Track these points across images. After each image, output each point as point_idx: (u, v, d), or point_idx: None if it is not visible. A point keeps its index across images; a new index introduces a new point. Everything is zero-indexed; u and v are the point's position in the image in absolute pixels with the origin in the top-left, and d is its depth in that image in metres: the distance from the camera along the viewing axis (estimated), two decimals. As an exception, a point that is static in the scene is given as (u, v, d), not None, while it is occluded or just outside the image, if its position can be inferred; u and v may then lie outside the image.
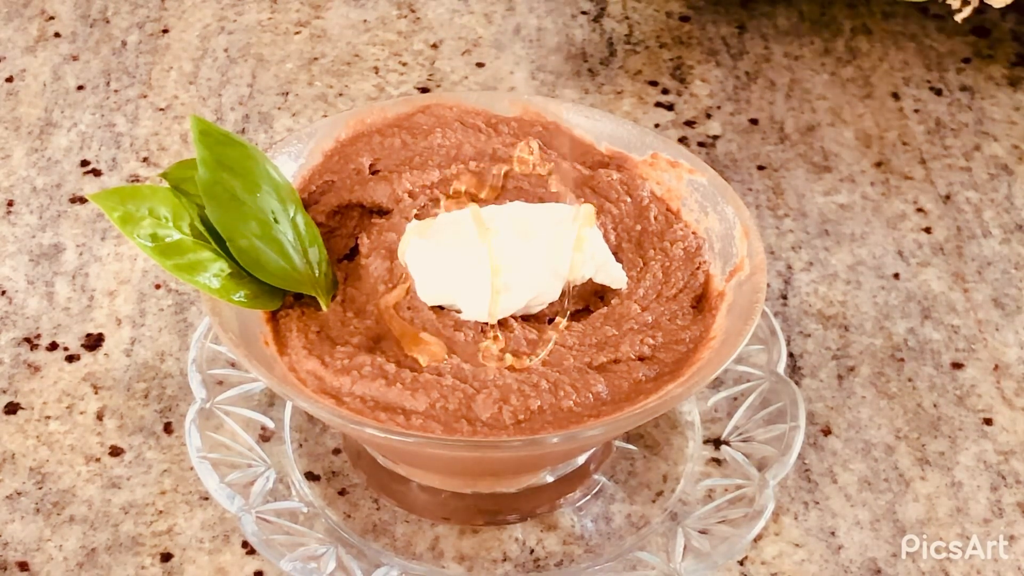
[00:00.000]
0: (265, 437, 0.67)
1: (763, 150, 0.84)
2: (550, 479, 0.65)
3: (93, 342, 0.72)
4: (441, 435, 0.57)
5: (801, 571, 0.64)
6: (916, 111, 0.87)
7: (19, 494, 0.66)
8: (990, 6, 0.91)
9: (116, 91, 0.86)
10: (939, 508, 0.66)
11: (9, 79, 0.87)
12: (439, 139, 0.68)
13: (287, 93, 0.87)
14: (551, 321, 0.62)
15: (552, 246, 0.61)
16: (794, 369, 0.72)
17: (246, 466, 0.65)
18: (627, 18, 0.93)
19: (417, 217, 0.65)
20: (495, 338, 0.61)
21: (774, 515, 0.66)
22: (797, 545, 0.65)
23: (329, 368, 0.59)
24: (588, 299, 0.63)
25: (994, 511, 0.66)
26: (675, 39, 0.91)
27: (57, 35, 0.90)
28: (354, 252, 0.65)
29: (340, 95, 0.87)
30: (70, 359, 0.71)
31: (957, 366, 0.72)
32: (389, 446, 0.63)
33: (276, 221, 0.62)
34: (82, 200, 0.79)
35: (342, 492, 0.66)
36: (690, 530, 0.63)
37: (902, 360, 0.73)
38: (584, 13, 0.93)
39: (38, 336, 0.72)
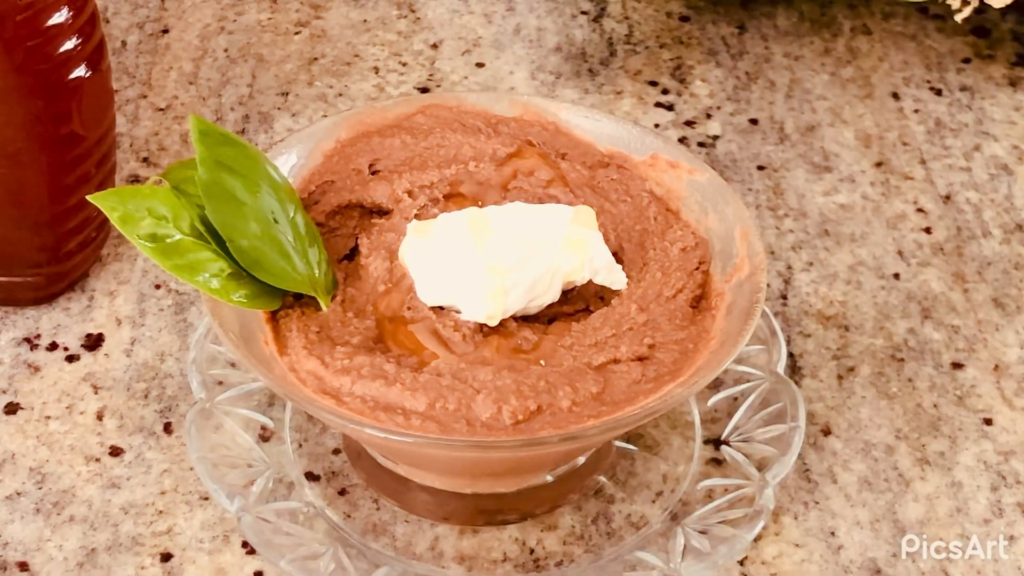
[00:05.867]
0: (265, 437, 0.67)
1: (763, 150, 0.84)
2: (550, 479, 0.65)
3: (93, 342, 0.72)
4: (440, 435, 0.57)
5: (801, 571, 0.64)
6: (916, 111, 0.87)
7: (19, 494, 0.66)
8: (990, 6, 0.91)
9: (116, 91, 0.86)
10: (939, 508, 0.66)
11: (9, 79, 0.87)
12: (439, 139, 0.68)
13: (287, 93, 0.87)
14: (551, 321, 0.62)
15: (552, 247, 0.61)
16: (794, 369, 0.72)
17: (246, 466, 0.65)
18: (627, 18, 0.93)
19: (417, 217, 0.65)
20: (495, 338, 0.61)
21: (774, 515, 0.66)
22: (797, 545, 0.65)
23: (329, 368, 0.59)
24: (588, 299, 0.63)
25: (994, 511, 0.66)
26: (675, 39, 0.91)
27: (57, 35, 0.90)
28: (354, 252, 0.65)
29: (340, 95, 0.87)
30: (70, 359, 0.71)
31: (957, 366, 0.72)
32: (389, 446, 0.62)
33: (276, 221, 0.62)
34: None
35: (342, 492, 0.66)
36: (690, 530, 0.63)
37: (902, 360, 0.72)
38: (584, 13, 0.93)
39: (38, 336, 0.72)
